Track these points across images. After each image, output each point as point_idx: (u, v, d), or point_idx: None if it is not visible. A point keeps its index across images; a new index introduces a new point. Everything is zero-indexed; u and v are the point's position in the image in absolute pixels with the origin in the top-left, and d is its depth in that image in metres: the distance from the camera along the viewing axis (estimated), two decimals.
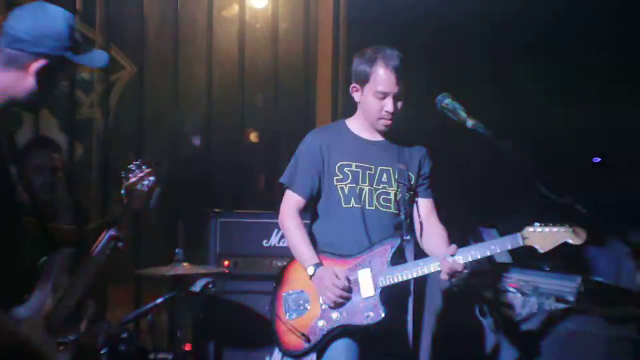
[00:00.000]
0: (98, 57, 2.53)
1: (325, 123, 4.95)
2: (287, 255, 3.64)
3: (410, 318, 4.08)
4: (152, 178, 3.45)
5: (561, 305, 4.07)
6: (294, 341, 3.38)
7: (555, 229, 3.12)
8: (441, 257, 3.27)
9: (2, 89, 2.36)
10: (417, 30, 5.43)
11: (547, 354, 3.99)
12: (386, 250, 3.36)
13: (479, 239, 4.22)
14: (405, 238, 3.41)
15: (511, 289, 4.23)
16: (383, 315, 3.28)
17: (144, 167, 3.47)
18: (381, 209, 3.46)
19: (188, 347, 4.50)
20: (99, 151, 5.47)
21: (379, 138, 3.54)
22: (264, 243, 4.67)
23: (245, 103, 5.77)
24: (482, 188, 5.12)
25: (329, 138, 3.55)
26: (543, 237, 3.13)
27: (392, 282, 3.31)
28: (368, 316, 3.29)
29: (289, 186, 3.56)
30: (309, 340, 3.34)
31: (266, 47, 5.81)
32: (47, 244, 2.61)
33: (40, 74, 2.35)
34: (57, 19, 2.39)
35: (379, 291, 3.31)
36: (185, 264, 4.19)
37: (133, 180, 3.42)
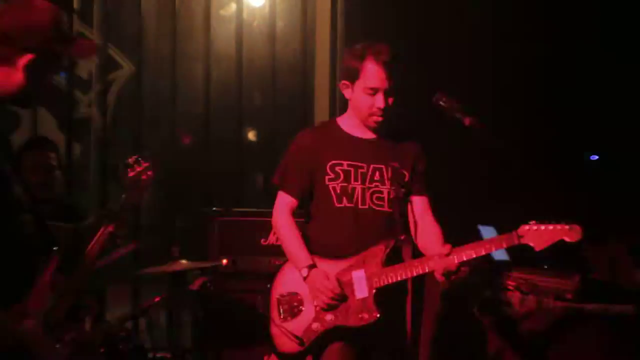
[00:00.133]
0: (86, 48, 2.52)
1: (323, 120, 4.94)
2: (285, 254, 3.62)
3: (408, 317, 4.04)
4: (149, 172, 3.47)
5: (559, 303, 4.07)
6: (288, 344, 3.34)
7: (551, 227, 3.08)
8: (435, 256, 3.21)
9: None
10: (415, 28, 5.43)
11: (545, 352, 4.00)
12: (380, 250, 3.29)
13: (477, 238, 4.21)
14: (399, 238, 3.34)
15: (509, 287, 4.23)
16: (377, 316, 3.22)
17: (141, 161, 3.48)
18: (374, 207, 3.38)
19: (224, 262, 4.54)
20: (97, 150, 5.47)
21: (370, 135, 3.46)
22: (262, 241, 4.67)
23: (243, 101, 5.76)
24: (480, 186, 5.12)
25: (319, 137, 3.49)
26: (539, 234, 3.09)
27: (386, 282, 3.24)
28: (362, 317, 3.24)
29: (281, 186, 3.51)
30: (303, 343, 3.29)
31: (263, 45, 5.81)
32: (44, 243, 2.60)
33: (28, 69, 2.33)
34: (42, 12, 2.37)
35: (373, 292, 3.25)
36: (183, 262, 4.19)
37: (131, 174, 3.44)
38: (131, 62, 5.61)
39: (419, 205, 3.48)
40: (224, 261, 4.68)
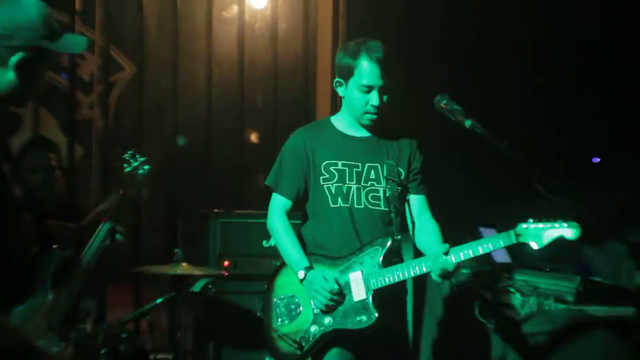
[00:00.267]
0: (76, 42, 2.49)
1: None
2: None
3: (410, 318, 4.01)
4: (146, 167, 3.49)
5: (560, 305, 4.07)
6: (286, 348, 3.30)
7: (549, 224, 3.07)
8: (433, 256, 3.18)
9: None
10: (417, 30, 5.44)
11: (546, 354, 3.99)
12: (377, 251, 3.25)
13: (477, 239, 4.20)
14: (396, 238, 3.29)
15: (510, 289, 4.22)
16: (375, 319, 3.18)
17: (137, 156, 3.50)
18: (370, 207, 3.34)
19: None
20: (99, 151, 5.47)
21: (365, 134, 3.41)
22: (264, 243, 4.67)
23: (245, 103, 5.77)
24: (481, 187, 5.11)
25: (313, 136, 3.44)
26: (537, 233, 3.07)
27: (384, 283, 3.20)
28: (360, 320, 3.20)
29: (275, 188, 3.46)
30: (301, 347, 3.25)
31: (265, 47, 5.81)
32: (45, 242, 2.60)
33: (19, 67, 2.31)
34: (29, 9, 2.34)
35: (370, 294, 3.20)
36: (184, 264, 4.19)
37: (128, 169, 3.46)
38: (133, 63, 5.61)
39: (417, 204, 3.45)
40: (225, 263, 4.68)
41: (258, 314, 3.44)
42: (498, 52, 5.39)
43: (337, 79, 3.40)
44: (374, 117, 3.34)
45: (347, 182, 3.35)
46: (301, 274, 3.28)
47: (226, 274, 4.57)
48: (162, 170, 5.50)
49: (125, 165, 3.46)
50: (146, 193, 3.60)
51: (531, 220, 3.10)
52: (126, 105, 5.61)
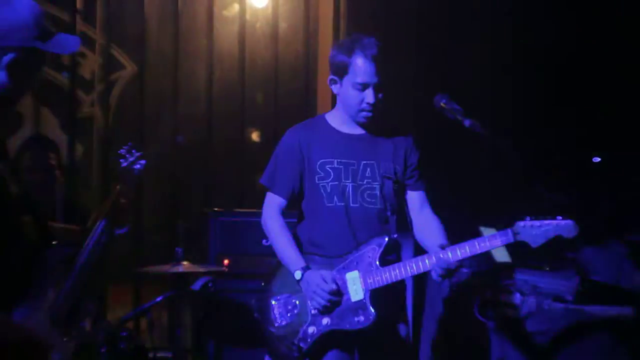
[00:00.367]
0: (69, 42, 2.45)
1: None
2: None
3: (409, 317, 3.99)
4: (142, 161, 3.50)
5: (560, 305, 4.07)
6: (284, 349, 3.26)
7: (546, 222, 3.06)
8: (432, 254, 3.15)
9: None
10: (418, 29, 5.44)
11: (545, 354, 4.00)
12: (373, 250, 3.22)
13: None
14: (392, 236, 3.27)
15: (510, 288, 4.23)
16: (373, 319, 3.15)
17: (133, 150, 3.51)
18: (365, 205, 3.29)
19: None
20: (99, 150, 5.48)
21: (360, 131, 3.37)
22: (264, 241, 4.66)
23: (245, 102, 5.77)
24: (481, 187, 5.11)
25: (308, 134, 3.39)
26: (534, 231, 3.06)
27: (382, 283, 3.17)
28: (358, 320, 3.17)
29: (270, 187, 3.42)
30: (300, 349, 3.21)
31: (266, 46, 5.81)
32: (44, 242, 2.61)
33: (11, 67, 2.30)
34: (21, 9, 2.32)
35: (368, 293, 3.18)
36: (185, 263, 4.19)
37: (125, 164, 3.47)
38: (134, 62, 5.61)
39: (416, 200, 3.41)
40: (225, 262, 4.68)
41: (255, 315, 3.40)
42: (500, 51, 5.38)
43: (331, 77, 3.35)
44: (370, 114, 3.30)
45: (343, 181, 3.31)
46: (298, 275, 3.24)
47: (226, 263, 4.57)
48: (163, 168, 5.51)
49: (121, 160, 3.47)
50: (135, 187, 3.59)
51: (529, 219, 3.09)
52: (127, 104, 5.61)
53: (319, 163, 3.33)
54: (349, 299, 3.21)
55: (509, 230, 3.11)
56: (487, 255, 3.98)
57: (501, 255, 4.54)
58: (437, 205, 3.49)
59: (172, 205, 5.55)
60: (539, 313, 4.06)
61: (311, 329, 3.24)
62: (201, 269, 4.39)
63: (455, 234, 3.35)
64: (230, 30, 5.78)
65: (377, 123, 3.37)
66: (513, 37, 5.36)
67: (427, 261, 3.16)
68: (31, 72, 2.39)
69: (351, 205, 3.30)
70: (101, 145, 5.48)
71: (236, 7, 5.77)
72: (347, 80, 3.28)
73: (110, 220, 3.23)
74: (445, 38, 5.41)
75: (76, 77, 5.46)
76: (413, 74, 5.33)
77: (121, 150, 3.51)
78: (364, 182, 3.32)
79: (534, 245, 3.09)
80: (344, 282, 3.23)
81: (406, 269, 3.18)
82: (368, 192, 3.32)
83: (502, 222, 3.26)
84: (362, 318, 3.18)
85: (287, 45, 5.85)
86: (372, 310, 3.17)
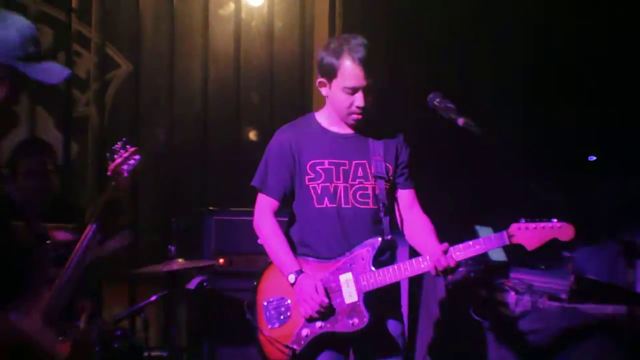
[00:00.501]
0: (55, 72, 2.39)
1: None
2: None
3: (405, 318, 3.96)
4: (136, 157, 3.49)
5: (554, 303, 4.07)
6: (277, 352, 3.20)
7: (542, 225, 3.03)
8: (424, 257, 3.11)
9: None
10: (413, 28, 5.44)
11: (540, 352, 4.00)
12: (366, 252, 3.17)
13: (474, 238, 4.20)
14: (386, 237, 3.22)
15: (505, 287, 4.23)
16: (368, 321, 3.12)
17: (127, 147, 3.50)
18: (358, 205, 3.24)
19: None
20: (95, 148, 5.47)
21: (350, 131, 3.31)
22: (259, 240, 4.66)
23: (241, 100, 5.76)
24: (476, 186, 5.11)
25: (298, 135, 3.33)
26: (530, 234, 3.04)
27: (376, 285, 3.13)
28: (353, 323, 3.13)
29: (261, 189, 3.35)
30: (294, 352, 3.16)
31: (262, 45, 5.80)
32: (39, 242, 2.60)
33: None
34: (10, 27, 2.28)
35: (362, 296, 3.14)
36: (180, 260, 4.19)
37: (119, 160, 3.46)
38: (129, 61, 5.61)
39: (405, 199, 3.36)
40: (221, 261, 4.68)
41: (247, 316, 3.32)
42: (496, 50, 5.38)
43: (320, 79, 3.30)
44: (360, 117, 3.25)
45: (335, 181, 3.26)
46: (292, 278, 3.19)
47: (221, 262, 4.56)
48: (158, 168, 5.51)
49: (115, 156, 3.46)
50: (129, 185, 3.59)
51: (524, 220, 3.06)
52: (122, 103, 5.61)
53: (309, 164, 3.28)
54: (343, 301, 3.17)
55: (504, 233, 3.08)
56: (482, 254, 3.98)
57: (496, 254, 4.54)
58: (432, 205, 3.44)
59: (167, 203, 5.55)
60: (534, 312, 4.06)
61: (305, 332, 3.20)
62: (195, 265, 4.36)
63: (450, 233, 3.33)
64: (226, 29, 5.77)
65: (367, 122, 3.31)
66: (513, 37, 5.36)
67: (422, 263, 3.13)
68: (8, 92, 2.32)
69: (343, 206, 3.25)
70: (96, 143, 5.47)
71: (232, 5, 5.77)
72: (336, 83, 3.22)
73: (103, 222, 3.21)
74: (442, 37, 5.41)
75: (71, 76, 5.44)
76: (410, 73, 5.32)
77: (115, 146, 3.49)
78: (356, 182, 3.27)
79: (529, 248, 3.06)
80: (338, 284, 3.19)
81: (400, 271, 3.14)
82: (360, 192, 3.27)
83: (497, 222, 3.24)
84: (356, 320, 3.15)
85: (282, 44, 5.84)
86: (366, 313, 3.14)
